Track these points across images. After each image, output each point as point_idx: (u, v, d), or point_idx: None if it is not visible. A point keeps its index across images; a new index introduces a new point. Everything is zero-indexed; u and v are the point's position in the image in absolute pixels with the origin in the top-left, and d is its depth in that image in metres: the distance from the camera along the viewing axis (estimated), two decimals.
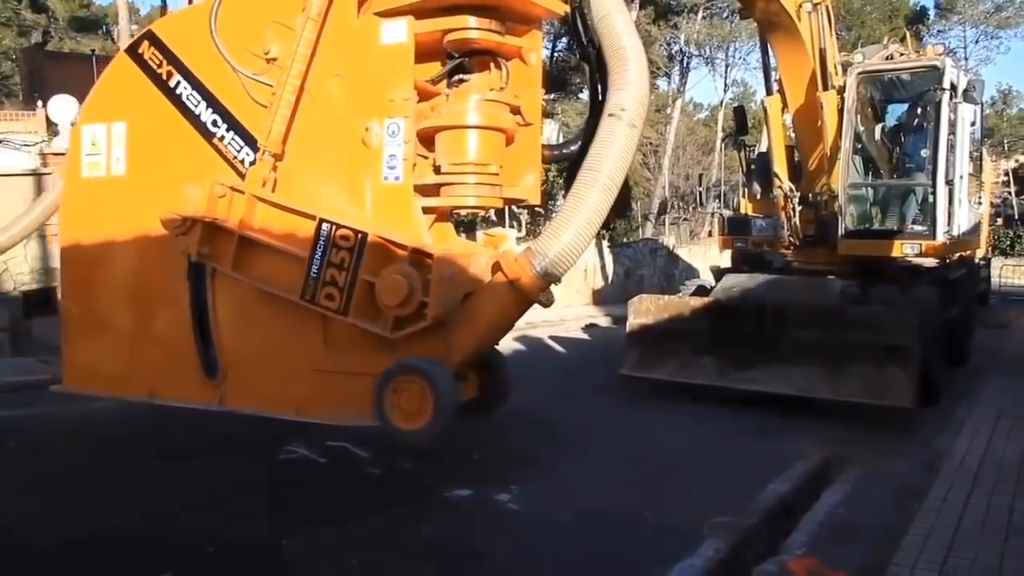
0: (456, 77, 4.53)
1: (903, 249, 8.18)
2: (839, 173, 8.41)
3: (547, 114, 5.28)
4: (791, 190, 8.80)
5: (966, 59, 35.74)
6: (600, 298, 16.74)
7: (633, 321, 8.07)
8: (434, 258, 4.14)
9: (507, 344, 6.89)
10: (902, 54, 9.02)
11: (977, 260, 11.53)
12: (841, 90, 8.43)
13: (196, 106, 4.75)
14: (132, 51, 5.01)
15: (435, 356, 4.20)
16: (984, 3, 36.02)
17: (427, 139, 4.50)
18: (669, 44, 33.44)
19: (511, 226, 15.96)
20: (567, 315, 13.67)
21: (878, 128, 8.87)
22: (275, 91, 4.44)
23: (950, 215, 8.21)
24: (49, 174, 9.50)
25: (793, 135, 9.40)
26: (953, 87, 8.18)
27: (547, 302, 4.36)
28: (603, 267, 17.50)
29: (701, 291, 9.02)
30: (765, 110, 9.63)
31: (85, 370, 5.25)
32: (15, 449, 5.62)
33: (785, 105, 9.13)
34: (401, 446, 4.36)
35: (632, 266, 18.32)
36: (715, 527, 4.31)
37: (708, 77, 75.80)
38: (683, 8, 31.85)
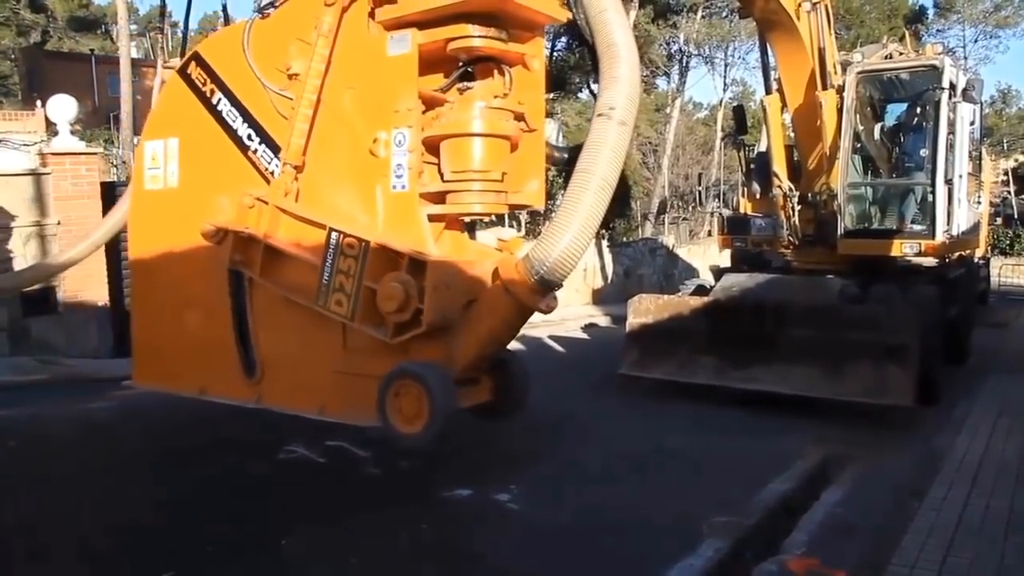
0: (462, 84, 4.56)
1: (902, 248, 8.19)
2: (838, 172, 8.41)
3: (547, 113, 5.32)
4: (790, 189, 8.80)
5: (965, 58, 35.79)
6: (600, 298, 16.76)
7: (632, 320, 8.07)
8: (428, 265, 4.19)
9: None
10: (901, 53, 9.02)
11: (976, 259, 11.54)
12: (840, 89, 8.43)
13: (234, 121, 5.01)
14: (182, 71, 5.33)
15: (439, 361, 4.27)
16: (983, 2, 36.08)
17: (433, 147, 4.58)
18: (668, 43, 33.44)
19: (511, 226, 15.97)
20: (567, 315, 13.68)
21: (877, 127, 8.87)
22: (294, 105, 4.63)
23: (949, 214, 8.21)
24: (48, 174, 9.50)
25: (792, 134, 9.40)
26: (952, 86, 8.18)
27: (547, 310, 4.38)
28: (603, 267, 17.51)
29: (700, 290, 9.03)
30: (764, 109, 9.63)
31: (148, 368, 5.64)
32: (15, 449, 5.62)
33: (784, 104, 9.13)
34: (397, 446, 4.39)
35: (632, 266, 18.32)
36: (715, 527, 4.32)
37: (707, 76, 75.87)
38: (682, 7, 31.83)
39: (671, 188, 32.71)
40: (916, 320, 6.71)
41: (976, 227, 10.37)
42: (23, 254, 9.15)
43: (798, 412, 6.79)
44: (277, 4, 4.91)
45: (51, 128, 10.85)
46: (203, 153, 5.20)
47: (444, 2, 4.17)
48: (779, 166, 9.00)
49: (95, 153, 10.62)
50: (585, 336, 12.56)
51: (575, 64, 27.89)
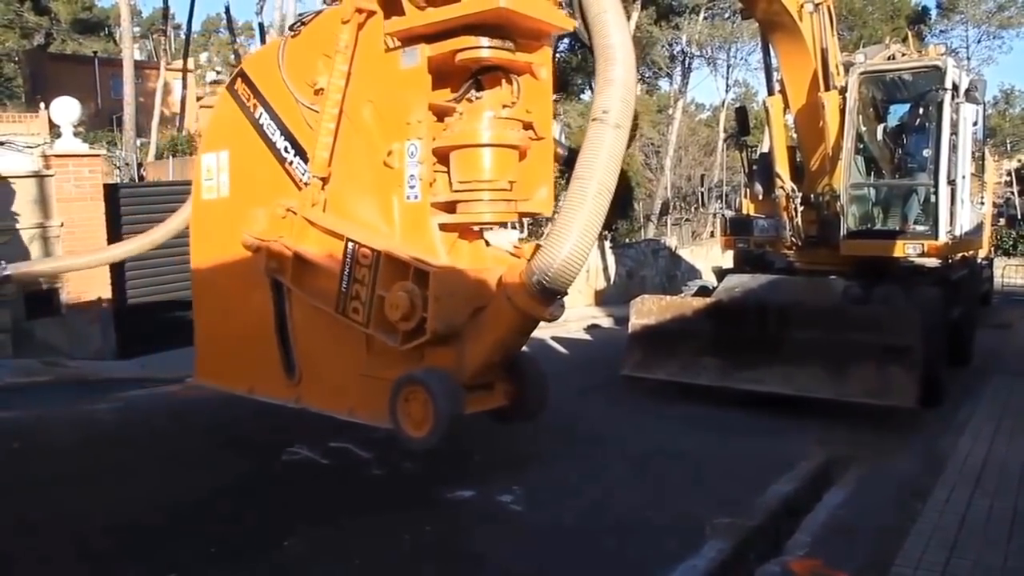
0: (471, 94, 4.61)
1: (905, 249, 8.17)
2: (841, 173, 8.40)
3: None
4: (793, 190, 8.79)
5: (968, 59, 35.78)
6: (602, 299, 16.75)
7: (635, 321, 8.07)
8: (431, 275, 4.25)
9: None
10: (904, 54, 9.01)
11: (980, 260, 11.52)
12: (843, 90, 8.42)
13: (273, 134, 5.25)
14: (230, 88, 5.65)
15: (451, 366, 4.37)
16: (986, 3, 36.06)
17: (444, 157, 4.66)
18: (671, 45, 33.50)
19: (513, 227, 15.97)
20: (569, 316, 13.61)
21: (880, 128, 8.86)
22: (319, 118, 4.80)
23: (952, 215, 8.19)
24: (51, 176, 9.52)
25: (795, 135, 9.40)
26: (955, 87, 8.16)
27: (552, 318, 4.40)
28: (605, 268, 17.51)
29: (703, 291, 9.02)
30: (767, 110, 9.62)
31: (207, 367, 5.89)
32: (18, 450, 5.63)
33: (787, 105, 9.13)
34: (407, 449, 4.44)
35: (634, 267, 18.32)
36: (717, 527, 4.31)
37: (710, 78, 75.83)
38: (685, 9, 31.88)
39: (673, 189, 32.72)
40: (919, 321, 6.69)
41: (979, 228, 10.36)
42: (27, 254, 9.16)
43: (801, 413, 6.78)
44: (306, 22, 5.15)
45: (54, 130, 10.89)
46: (249, 165, 5.45)
47: (451, 15, 4.22)
48: (782, 167, 8.99)
49: (98, 155, 10.64)
50: (588, 337, 12.55)
51: (577, 66, 27.94)
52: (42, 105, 26.49)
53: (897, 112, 9.08)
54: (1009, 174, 16.39)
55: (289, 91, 5.11)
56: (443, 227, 4.60)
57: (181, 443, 5.89)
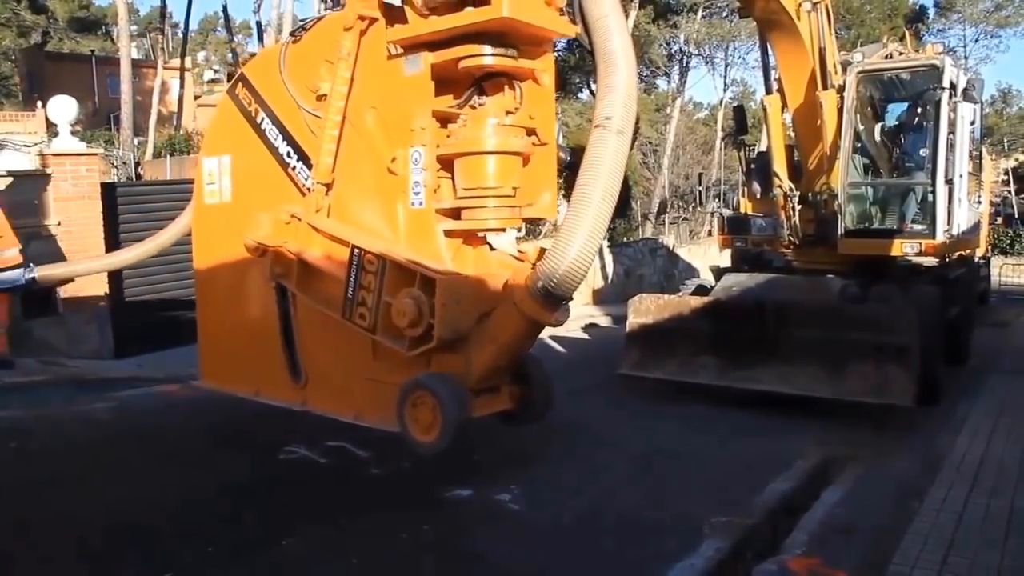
0: (474, 100, 4.65)
1: (903, 248, 8.18)
2: (839, 172, 8.40)
3: None
4: (791, 189, 8.78)
5: (966, 58, 35.83)
6: (600, 298, 16.74)
7: (633, 321, 8.06)
8: (437, 282, 4.28)
9: None
10: (901, 53, 9.00)
11: (977, 259, 11.52)
12: (841, 89, 8.41)
13: (275, 139, 5.27)
14: (231, 92, 5.64)
15: (459, 371, 4.42)
16: (984, 2, 36.10)
17: (448, 163, 4.69)
18: (668, 43, 33.50)
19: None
20: None
21: (878, 127, 8.86)
22: (322, 124, 4.83)
23: (950, 214, 8.19)
24: (49, 175, 9.50)
25: (793, 134, 9.39)
26: (953, 86, 8.17)
27: (557, 323, 4.47)
28: (603, 267, 17.50)
29: (701, 290, 9.02)
30: (765, 109, 9.61)
31: (212, 369, 5.96)
32: (16, 449, 5.62)
33: (785, 104, 9.12)
34: (410, 449, 4.47)
35: (632, 266, 18.31)
36: (715, 526, 4.32)
37: (708, 76, 75.92)
38: (682, 7, 31.86)
39: (671, 188, 32.72)
40: (917, 320, 6.70)
41: (976, 227, 10.36)
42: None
43: (798, 413, 6.79)
44: (307, 27, 5.16)
45: (51, 129, 10.87)
46: (251, 169, 5.48)
47: (454, 24, 4.24)
48: (779, 166, 8.99)
49: (95, 154, 10.62)
50: (586, 336, 12.55)
51: (575, 64, 27.93)
52: (39, 104, 26.42)
53: (895, 111, 9.09)
54: (1006, 173, 16.37)
55: (291, 96, 5.12)
56: (448, 233, 4.63)
57: (179, 443, 5.89)
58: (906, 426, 6.58)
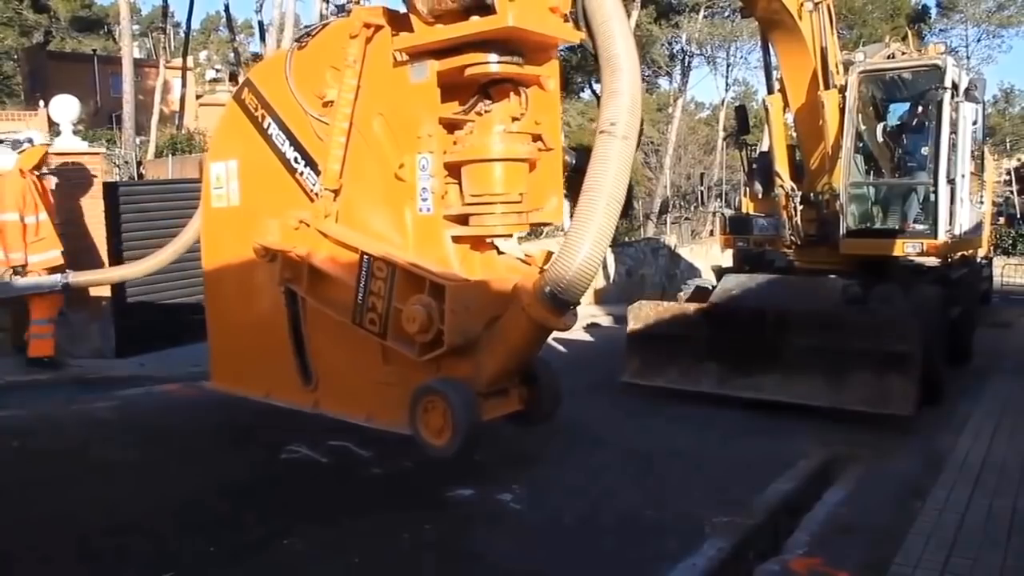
0: (480, 106, 4.66)
1: (905, 248, 8.16)
2: (840, 172, 8.39)
3: None
4: (793, 189, 8.78)
5: (968, 58, 35.76)
6: (602, 298, 16.73)
7: (633, 328, 8.03)
8: (447, 289, 4.31)
9: None
10: (904, 53, 9.00)
11: (979, 259, 11.50)
12: (842, 89, 8.41)
13: (282, 144, 5.31)
14: (237, 97, 5.70)
15: (468, 375, 4.45)
16: (986, 1, 36.03)
17: (455, 170, 4.71)
18: (670, 43, 33.49)
19: None
20: None
21: (879, 127, 8.84)
22: (329, 131, 4.86)
23: (952, 214, 8.18)
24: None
25: (794, 134, 9.39)
26: (955, 86, 8.15)
27: (566, 327, 4.50)
28: (605, 267, 17.48)
29: (701, 291, 8.96)
30: (766, 109, 9.61)
31: (222, 372, 6.04)
32: (17, 448, 5.63)
33: (786, 104, 9.12)
34: (414, 450, 4.51)
35: (634, 266, 18.30)
36: (717, 526, 4.31)
37: (709, 76, 75.85)
38: (684, 7, 31.87)
39: (673, 188, 32.73)
40: (918, 327, 6.64)
41: (979, 227, 10.34)
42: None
43: (800, 414, 6.77)
44: (312, 34, 5.19)
45: (53, 128, 10.84)
46: (259, 174, 5.51)
47: (460, 32, 4.25)
48: (781, 166, 8.98)
49: (97, 153, 10.60)
50: (587, 337, 12.54)
51: (577, 64, 27.93)
52: (41, 103, 26.42)
53: (897, 111, 9.07)
54: (1008, 173, 16.36)
55: (297, 102, 5.15)
56: (456, 239, 4.66)
57: (180, 442, 5.89)
58: (908, 427, 6.56)
